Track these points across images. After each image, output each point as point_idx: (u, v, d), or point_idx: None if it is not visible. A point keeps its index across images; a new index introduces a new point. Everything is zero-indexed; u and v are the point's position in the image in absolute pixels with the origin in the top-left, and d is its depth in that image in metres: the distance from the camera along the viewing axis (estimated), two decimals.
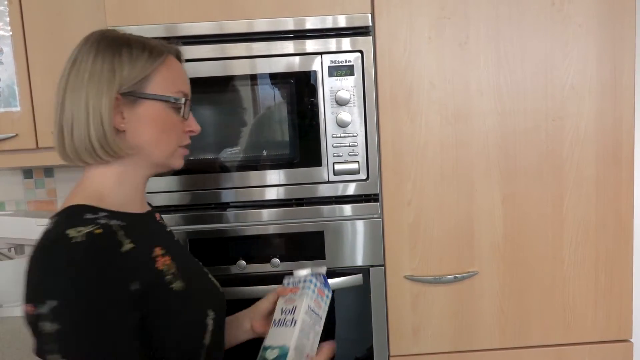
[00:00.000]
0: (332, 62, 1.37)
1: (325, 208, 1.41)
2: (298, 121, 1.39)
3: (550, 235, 1.41)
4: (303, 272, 1.07)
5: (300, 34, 1.37)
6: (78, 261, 0.76)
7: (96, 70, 0.86)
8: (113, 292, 0.78)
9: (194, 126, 0.98)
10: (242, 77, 1.39)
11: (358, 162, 1.40)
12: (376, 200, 1.42)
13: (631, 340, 1.44)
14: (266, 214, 1.41)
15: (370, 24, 1.37)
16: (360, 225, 1.41)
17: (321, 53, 1.37)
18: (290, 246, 1.41)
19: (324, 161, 1.39)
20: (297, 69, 1.37)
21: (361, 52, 1.37)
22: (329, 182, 1.40)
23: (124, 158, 0.90)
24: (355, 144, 1.39)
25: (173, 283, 0.89)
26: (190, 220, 1.41)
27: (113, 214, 0.87)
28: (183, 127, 0.95)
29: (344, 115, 1.37)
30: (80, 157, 0.89)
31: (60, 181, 1.94)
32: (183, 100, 0.93)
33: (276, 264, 1.41)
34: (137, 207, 0.95)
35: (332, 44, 1.37)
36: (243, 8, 1.36)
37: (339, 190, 1.41)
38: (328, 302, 1.05)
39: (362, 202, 1.41)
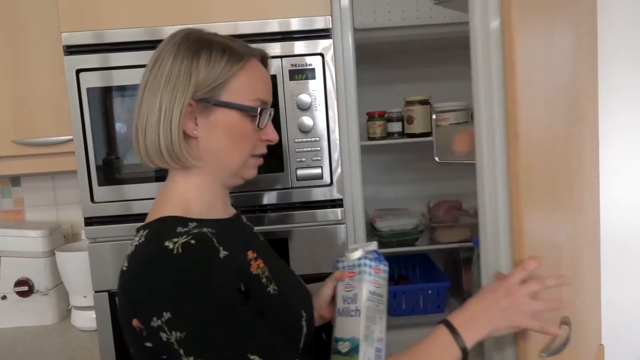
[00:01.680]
0: (292, 65, 1.35)
1: (289, 214, 1.39)
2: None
3: None
4: (356, 255, 1.03)
5: (260, 37, 1.34)
6: (184, 269, 0.76)
7: (174, 73, 0.84)
8: (224, 291, 0.78)
9: (272, 135, 0.93)
10: None
11: (321, 167, 1.37)
12: (340, 205, 1.39)
13: (602, 343, 1.42)
14: None
15: (331, 26, 1.35)
16: (325, 230, 1.39)
17: (281, 56, 1.34)
18: None
19: (286, 167, 1.37)
20: None
21: (322, 55, 1.35)
22: (292, 188, 1.38)
23: (197, 166, 0.88)
24: (318, 148, 1.37)
25: (269, 287, 0.87)
26: None
27: (202, 223, 0.85)
28: (259, 135, 0.91)
29: (306, 119, 1.35)
30: (152, 160, 0.88)
31: (27, 190, 1.91)
32: (259, 109, 0.88)
33: None
34: (221, 212, 0.93)
35: (292, 47, 1.35)
36: (202, 12, 1.34)
37: (303, 196, 1.38)
38: (387, 276, 1.03)
39: (326, 208, 1.39)
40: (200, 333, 0.75)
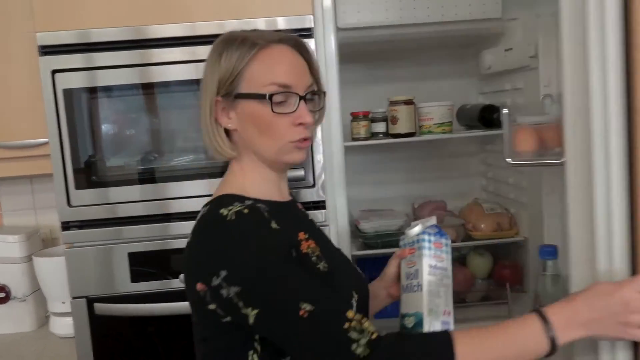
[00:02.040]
0: None
1: None
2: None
3: None
4: (415, 231, 1.03)
5: (197, 40, 1.32)
6: (238, 231, 0.83)
7: (206, 74, 0.92)
8: (276, 249, 0.84)
9: (305, 117, 0.90)
10: (182, 83, 1.34)
11: (304, 168, 1.35)
12: (324, 207, 1.37)
13: None
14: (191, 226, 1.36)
15: (313, 26, 1.33)
16: None
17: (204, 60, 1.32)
18: None
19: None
20: (196, 76, 1.30)
21: None
22: None
23: (244, 154, 0.93)
24: None
25: (319, 264, 0.90)
26: (130, 232, 1.35)
27: (257, 201, 0.90)
28: (291, 119, 0.90)
29: None
30: (213, 154, 0.95)
31: (5, 194, 1.86)
32: (267, 95, 0.88)
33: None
34: (277, 196, 0.97)
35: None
36: (184, 11, 1.32)
37: None
38: (449, 249, 1.02)
39: (310, 210, 1.36)
40: (253, 285, 0.80)
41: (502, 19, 1.52)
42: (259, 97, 0.88)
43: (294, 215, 0.99)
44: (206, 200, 0.92)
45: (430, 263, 0.99)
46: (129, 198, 1.34)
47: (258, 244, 0.82)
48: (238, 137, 0.92)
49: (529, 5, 1.41)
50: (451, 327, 0.95)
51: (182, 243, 1.31)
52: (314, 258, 0.90)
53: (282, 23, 1.32)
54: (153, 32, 1.32)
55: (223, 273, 0.80)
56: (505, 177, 1.69)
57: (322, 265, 0.90)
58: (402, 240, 1.07)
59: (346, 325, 0.79)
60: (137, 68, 1.32)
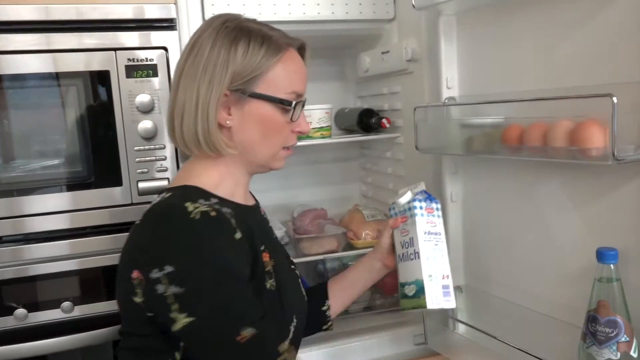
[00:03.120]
0: (129, 60, 1.14)
1: None
2: (90, 132, 1.14)
3: None
4: (405, 199, 1.03)
5: (86, 25, 1.11)
6: (198, 232, 0.77)
7: (211, 61, 0.83)
8: (234, 262, 0.80)
9: (304, 126, 0.93)
10: (17, 78, 1.10)
11: (169, 178, 1.18)
12: None
13: None
14: (54, 247, 1.13)
15: (175, 16, 1.17)
16: None
17: (115, 49, 1.13)
18: (85, 286, 1.15)
19: (125, 180, 1.16)
20: (83, 68, 1.11)
21: (165, 48, 1.16)
22: (132, 204, 1.17)
23: (226, 156, 0.88)
24: (164, 157, 1.18)
25: (268, 281, 0.88)
26: None
27: (223, 202, 0.86)
28: (291, 127, 0.91)
29: (147, 123, 1.15)
30: (188, 147, 0.87)
31: None
32: (293, 103, 0.88)
33: (69, 309, 1.14)
34: (242, 199, 0.94)
35: (128, 38, 1.14)
36: None
37: None
38: (440, 213, 1.04)
39: None
40: (199, 294, 0.76)
41: (383, 20, 1.47)
42: (280, 102, 0.86)
43: (257, 221, 0.96)
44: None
45: (424, 229, 1.01)
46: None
47: (217, 253, 0.79)
48: (229, 136, 0.87)
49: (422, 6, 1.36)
50: (451, 290, 0.99)
51: (19, 271, 1.09)
52: (266, 272, 0.88)
53: (137, 12, 1.14)
54: None
55: (168, 269, 0.75)
56: (385, 182, 1.66)
57: (270, 284, 0.88)
58: (392, 210, 1.08)
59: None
60: None
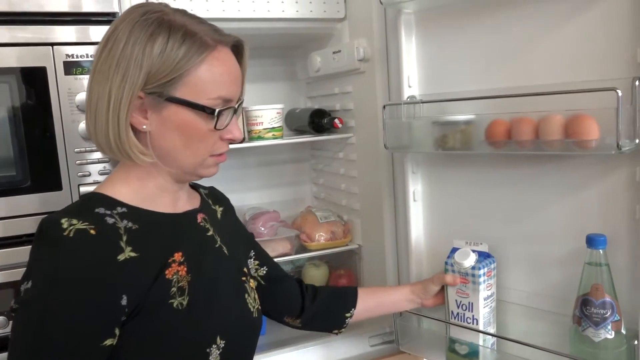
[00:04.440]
0: (68, 56, 1.07)
1: None
2: (25, 133, 1.05)
3: None
4: (468, 263, 1.03)
5: (19, 18, 1.03)
6: (62, 257, 0.70)
7: (124, 58, 0.74)
8: (90, 303, 0.71)
9: (235, 133, 0.82)
10: None
11: None
12: None
13: None
14: None
15: (118, 10, 1.11)
16: None
17: (52, 44, 1.06)
18: None
19: (65, 183, 1.08)
20: (16, 64, 1.03)
21: None
22: None
23: (145, 164, 0.79)
24: (107, 158, 1.11)
25: (174, 299, 0.77)
26: None
27: (132, 213, 0.78)
28: (220, 134, 0.81)
29: None
30: (102, 149, 0.79)
31: None
32: (217, 110, 0.77)
33: (3, 324, 1.05)
34: (167, 206, 0.84)
35: (66, 33, 1.07)
36: None
37: None
38: (495, 271, 1.07)
39: None
40: (29, 320, 0.69)
41: (334, 19, 1.46)
42: (202, 109, 0.77)
43: (180, 231, 0.84)
44: None
45: (484, 295, 1.04)
46: None
47: (77, 281, 0.70)
48: (149, 140, 0.78)
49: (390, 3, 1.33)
50: (495, 343, 1.06)
51: None
52: (173, 289, 0.78)
53: (76, 4, 1.07)
54: None
55: (28, 284, 0.70)
56: (337, 183, 1.64)
57: (178, 302, 0.77)
58: (451, 266, 1.07)
59: None
60: None
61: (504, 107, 0.99)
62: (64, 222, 0.71)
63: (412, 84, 1.20)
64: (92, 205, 0.76)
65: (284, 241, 1.49)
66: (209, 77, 0.77)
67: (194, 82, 0.76)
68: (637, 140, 0.86)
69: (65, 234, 0.70)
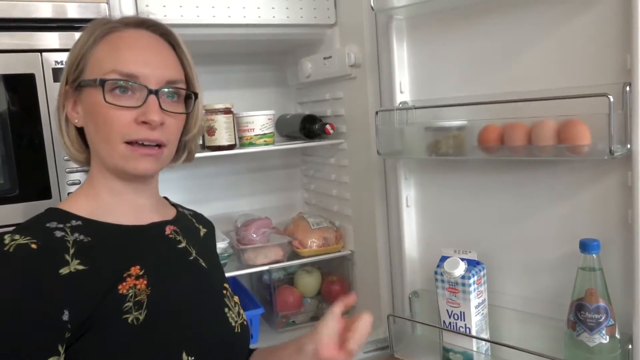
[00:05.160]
0: (57, 63, 1.06)
1: None
2: (13, 141, 1.04)
3: None
4: (459, 271, 1.02)
5: (4, 25, 1.02)
6: (4, 270, 0.68)
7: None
8: (26, 318, 0.67)
9: (150, 114, 0.75)
10: None
11: None
12: None
13: None
14: None
15: (108, 15, 1.09)
16: None
17: (40, 51, 1.04)
18: None
19: (54, 192, 1.07)
20: (3, 70, 1.02)
21: None
22: None
23: (92, 159, 0.81)
24: None
25: (129, 314, 0.73)
26: None
27: (86, 225, 0.76)
28: (134, 115, 0.75)
29: None
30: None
31: None
32: (98, 80, 0.75)
33: None
34: (128, 217, 0.81)
35: (55, 39, 1.05)
36: None
37: None
38: (486, 277, 1.06)
39: None
40: None
41: (325, 24, 1.46)
42: (94, 83, 0.75)
43: (145, 242, 0.81)
44: None
45: (476, 304, 1.04)
46: None
47: (12, 299, 0.66)
48: (87, 138, 0.81)
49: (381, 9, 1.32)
50: (489, 348, 1.07)
51: None
52: (127, 304, 0.73)
53: (64, 11, 1.06)
54: None
55: None
56: (328, 189, 1.64)
57: (133, 317, 0.73)
58: (441, 275, 1.06)
59: None
60: None
61: (497, 113, 1.00)
62: (7, 238, 0.70)
63: (404, 90, 1.21)
64: (45, 219, 0.75)
65: (275, 248, 1.48)
66: (106, 53, 0.77)
67: (92, 62, 0.77)
68: (628, 146, 0.87)
69: (5, 249, 0.68)
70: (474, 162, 1.11)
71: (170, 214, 0.91)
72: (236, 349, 0.86)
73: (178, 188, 1.63)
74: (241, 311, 0.91)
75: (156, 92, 0.76)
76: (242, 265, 1.47)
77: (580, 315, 0.91)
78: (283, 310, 1.52)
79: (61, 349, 0.69)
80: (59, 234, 0.73)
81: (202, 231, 0.97)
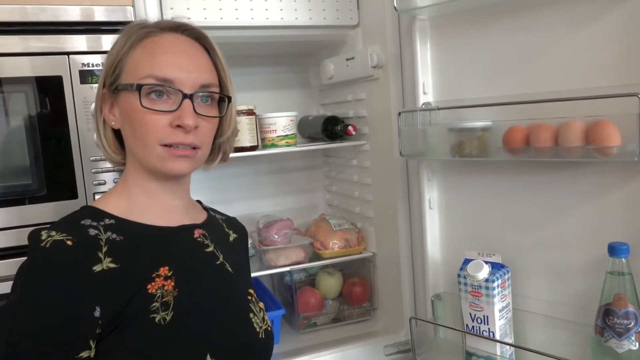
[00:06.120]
0: (84, 65, 1.07)
1: None
2: (41, 142, 1.06)
3: None
4: (482, 274, 1.01)
5: (33, 28, 1.04)
6: (36, 268, 0.70)
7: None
8: (59, 313, 0.69)
9: (185, 118, 0.77)
10: None
11: None
12: None
13: None
14: (1, 267, 1.05)
15: (132, 19, 1.11)
16: None
17: (67, 53, 1.06)
18: None
19: (80, 192, 1.09)
20: (31, 73, 1.04)
21: None
22: None
23: (129, 160, 0.83)
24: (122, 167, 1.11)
25: (157, 314, 0.75)
26: None
27: (119, 224, 0.78)
28: (169, 119, 0.77)
29: None
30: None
31: None
32: (135, 84, 0.76)
33: None
34: (159, 219, 0.83)
35: (82, 41, 1.07)
36: None
37: None
38: (510, 281, 1.05)
39: None
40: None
41: (347, 26, 1.46)
42: (130, 87, 0.77)
43: (170, 245, 0.82)
44: None
45: (499, 307, 1.02)
46: None
47: (49, 292, 0.69)
48: (124, 139, 0.83)
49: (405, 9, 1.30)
50: (513, 352, 1.04)
51: None
52: (155, 304, 0.75)
53: (92, 14, 1.08)
54: None
55: (13, 296, 0.71)
56: (350, 190, 1.63)
57: (160, 317, 0.75)
58: (464, 278, 1.05)
59: None
60: None
61: (522, 113, 0.98)
62: (44, 234, 0.72)
63: (427, 91, 1.19)
64: (80, 217, 0.78)
65: (297, 249, 1.48)
66: (142, 58, 0.78)
67: (129, 66, 0.79)
68: None
69: (42, 244, 0.71)
70: (498, 163, 1.09)
71: (201, 217, 0.92)
72: (260, 354, 0.87)
73: (201, 189, 1.63)
74: (266, 317, 0.92)
75: (191, 97, 0.78)
76: (264, 266, 1.47)
77: (608, 321, 0.88)
78: (304, 311, 1.52)
79: (92, 344, 0.71)
80: (92, 232, 0.75)
81: (232, 236, 0.98)
